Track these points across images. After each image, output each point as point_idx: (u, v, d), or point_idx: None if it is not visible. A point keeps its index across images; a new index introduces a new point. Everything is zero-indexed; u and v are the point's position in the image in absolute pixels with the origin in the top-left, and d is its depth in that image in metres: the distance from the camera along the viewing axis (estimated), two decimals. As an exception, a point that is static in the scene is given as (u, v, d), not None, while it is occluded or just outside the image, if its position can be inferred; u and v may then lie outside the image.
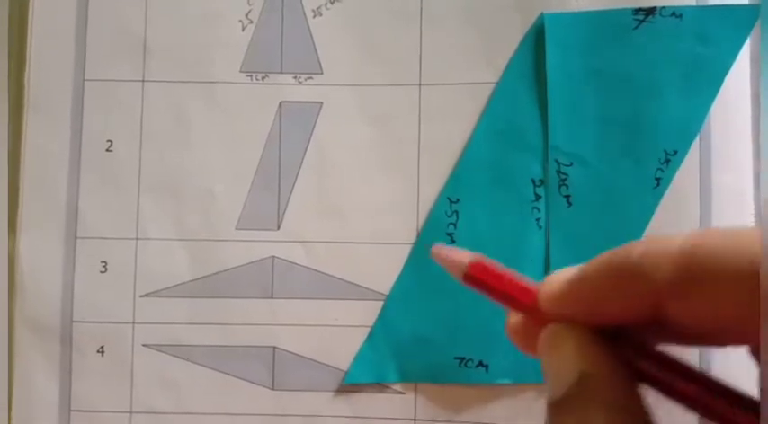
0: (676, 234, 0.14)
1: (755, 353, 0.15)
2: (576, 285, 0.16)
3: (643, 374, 0.16)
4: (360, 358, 0.33)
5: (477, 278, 0.18)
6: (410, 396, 0.33)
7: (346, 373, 0.33)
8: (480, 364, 0.32)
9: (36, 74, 0.34)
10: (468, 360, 0.32)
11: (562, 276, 0.17)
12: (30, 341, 0.33)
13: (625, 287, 0.15)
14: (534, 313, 0.17)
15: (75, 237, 0.34)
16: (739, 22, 0.32)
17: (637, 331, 0.16)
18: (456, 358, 0.32)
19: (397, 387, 0.33)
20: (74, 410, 0.33)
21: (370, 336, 0.33)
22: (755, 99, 0.32)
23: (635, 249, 0.15)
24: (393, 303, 0.33)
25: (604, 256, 0.16)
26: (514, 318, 0.18)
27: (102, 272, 0.34)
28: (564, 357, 0.16)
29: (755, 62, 0.32)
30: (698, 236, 0.14)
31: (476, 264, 0.18)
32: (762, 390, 0.14)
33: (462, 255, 0.18)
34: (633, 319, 0.16)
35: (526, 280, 0.18)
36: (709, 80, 0.32)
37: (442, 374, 0.32)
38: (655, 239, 0.15)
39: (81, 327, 0.33)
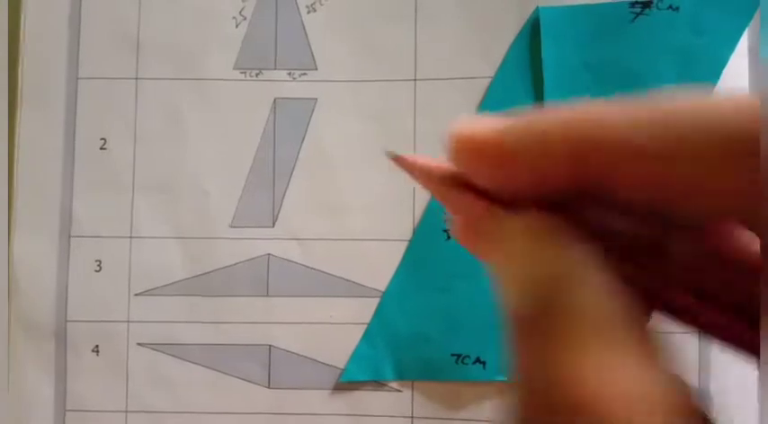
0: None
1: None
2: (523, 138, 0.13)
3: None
4: (356, 356, 0.33)
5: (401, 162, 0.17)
6: (407, 394, 0.33)
7: (343, 370, 0.33)
8: (478, 360, 0.32)
9: (29, 72, 0.34)
10: (465, 357, 0.32)
11: (484, 124, 0.13)
12: (24, 341, 0.33)
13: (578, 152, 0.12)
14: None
15: (70, 236, 0.34)
16: (737, 13, 0.31)
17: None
18: (453, 355, 0.32)
19: (394, 385, 0.33)
20: (69, 410, 0.33)
21: (367, 333, 0.33)
22: (753, 91, 0.31)
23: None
24: (389, 300, 0.33)
25: (522, 119, 0.13)
26: (459, 218, 0.15)
27: (96, 271, 0.33)
28: (533, 259, 0.12)
29: (754, 53, 0.31)
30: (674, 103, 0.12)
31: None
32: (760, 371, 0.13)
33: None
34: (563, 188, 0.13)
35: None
36: (706, 72, 0.31)
37: (440, 371, 0.32)
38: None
39: (75, 326, 0.33)
